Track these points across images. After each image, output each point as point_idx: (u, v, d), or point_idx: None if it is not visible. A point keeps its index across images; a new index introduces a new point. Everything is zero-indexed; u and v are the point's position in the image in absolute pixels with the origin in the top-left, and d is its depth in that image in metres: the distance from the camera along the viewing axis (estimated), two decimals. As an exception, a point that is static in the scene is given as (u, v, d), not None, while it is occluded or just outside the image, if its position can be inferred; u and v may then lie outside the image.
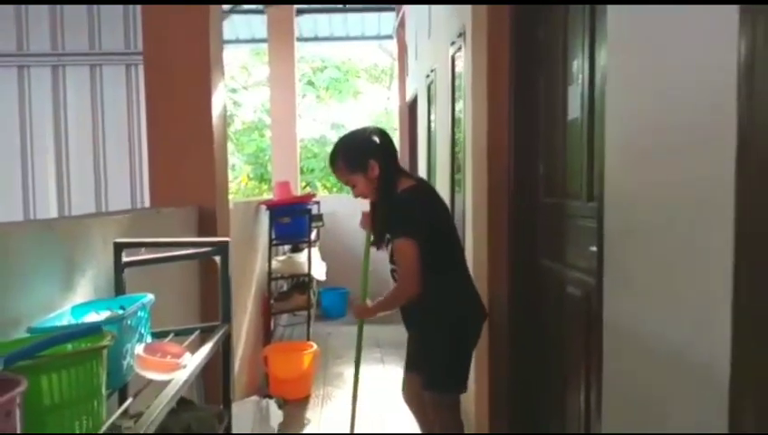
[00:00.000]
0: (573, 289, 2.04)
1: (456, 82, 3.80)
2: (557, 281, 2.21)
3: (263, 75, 11.32)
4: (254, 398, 2.29)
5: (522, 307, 2.54)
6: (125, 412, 1.21)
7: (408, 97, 6.88)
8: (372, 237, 2.39)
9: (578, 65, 2.01)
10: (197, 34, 2.50)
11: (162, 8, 2.48)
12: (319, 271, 5.05)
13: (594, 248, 1.71)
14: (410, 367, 2.37)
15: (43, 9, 4.50)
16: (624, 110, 1.49)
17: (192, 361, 1.24)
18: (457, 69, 3.77)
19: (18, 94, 4.57)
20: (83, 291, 1.35)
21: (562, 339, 2.17)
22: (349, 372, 4.33)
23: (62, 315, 1.20)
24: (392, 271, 2.26)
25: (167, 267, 1.79)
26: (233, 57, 11.62)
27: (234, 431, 1.58)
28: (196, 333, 1.50)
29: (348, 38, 8.46)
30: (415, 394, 2.32)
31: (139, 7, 3.39)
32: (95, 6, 4.47)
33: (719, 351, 1.06)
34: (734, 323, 1.03)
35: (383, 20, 7.74)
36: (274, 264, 4.80)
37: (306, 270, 4.81)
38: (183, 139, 2.49)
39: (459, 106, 3.68)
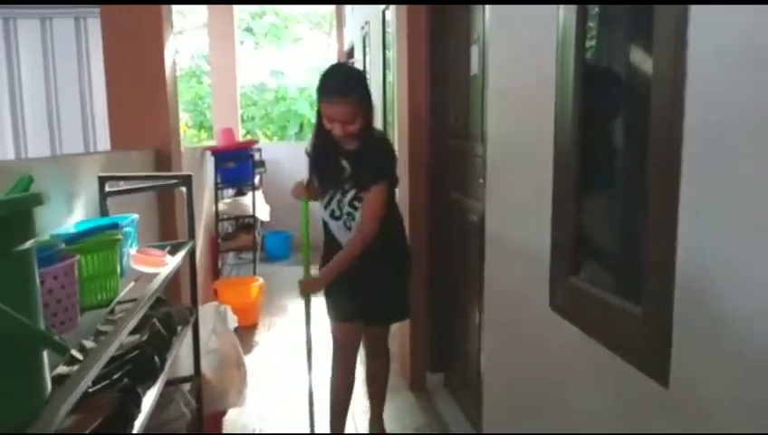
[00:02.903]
0: (471, 215, 2.54)
1: (387, 34, 4.17)
2: (462, 210, 2.71)
3: (198, 19, 11.18)
4: (215, 303, 2.71)
5: (437, 235, 3.04)
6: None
7: (346, 46, 7.16)
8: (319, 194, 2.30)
9: (478, 27, 2.44)
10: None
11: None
12: (263, 212, 5.42)
13: (482, 181, 2.20)
14: (375, 319, 2.41)
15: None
16: (498, 67, 1.95)
17: (171, 261, 1.65)
18: (387, 21, 4.13)
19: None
20: (79, 212, 1.73)
21: (466, 258, 2.68)
22: (292, 305, 4.81)
23: (70, 228, 1.58)
24: (348, 214, 2.24)
25: (135, 197, 2.16)
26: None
27: (200, 325, 2.00)
28: (168, 247, 1.89)
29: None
30: (377, 338, 2.49)
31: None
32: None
33: (540, 236, 1.57)
34: (554, 219, 1.54)
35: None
36: (221, 206, 5.14)
37: (251, 212, 5.18)
38: (138, 86, 2.77)
39: (390, 54, 4.06)
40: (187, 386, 1.98)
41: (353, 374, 2.50)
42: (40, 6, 4.52)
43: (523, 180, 1.77)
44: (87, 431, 1.15)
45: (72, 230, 1.59)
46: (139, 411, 1.26)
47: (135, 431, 1.22)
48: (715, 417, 0.97)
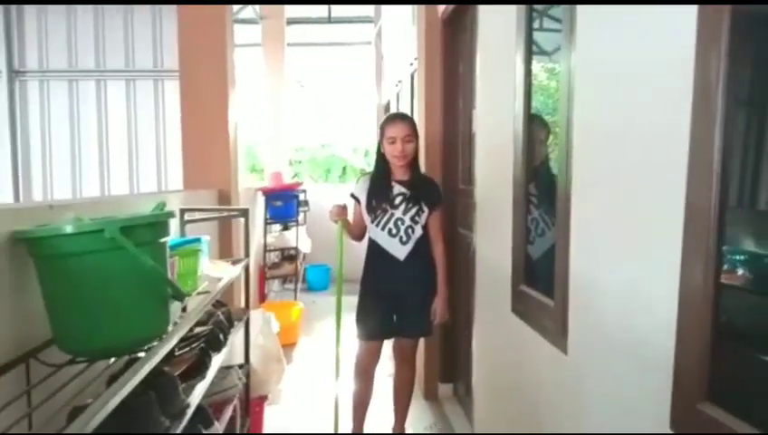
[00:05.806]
0: (472, 246, 3.07)
1: (414, 92, 4.81)
2: (466, 243, 3.25)
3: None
4: (261, 309, 3.31)
5: (448, 264, 3.57)
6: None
7: (384, 100, 7.88)
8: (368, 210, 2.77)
9: (476, 95, 3.03)
10: (218, 53, 3.45)
11: (193, 32, 3.43)
12: (305, 245, 6.08)
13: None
14: (408, 332, 2.88)
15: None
16: (484, 128, 2.53)
17: (233, 270, 2.26)
18: (415, 84, 4.77)
19: (69, 103, 5.64)
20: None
21: (467, 282, 3.20)
22: (328, 329, 5.36)
23: (163, 243, 2.21)
24: (408, 227, 2.77)
25: (202, 225, 2.80)
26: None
27: (250, 325, 2.60)
28: (230, 261, 2.51)
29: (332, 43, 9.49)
30: (406, 349, 2.97)
31: (165, 32, 4.37)
32: (131, 32, 5.51)
33: (506, 258, 2.11)
34: (513, 245, 2.08)
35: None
36: (269, 239, 5.82)
37: (294, 244, 5.84)
38: (207, 138, 3.47)
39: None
40: (239, 371, 2.56)
41: (372, 386, 2.95)
42: (126, 71, 5.45)
43: (496, 217, 2.32)
44: (177, 373, 1.74)
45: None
46: (210, 365, 1.85)
47: (207, 379, 1.81)
48: (596, 376, 1.49)
